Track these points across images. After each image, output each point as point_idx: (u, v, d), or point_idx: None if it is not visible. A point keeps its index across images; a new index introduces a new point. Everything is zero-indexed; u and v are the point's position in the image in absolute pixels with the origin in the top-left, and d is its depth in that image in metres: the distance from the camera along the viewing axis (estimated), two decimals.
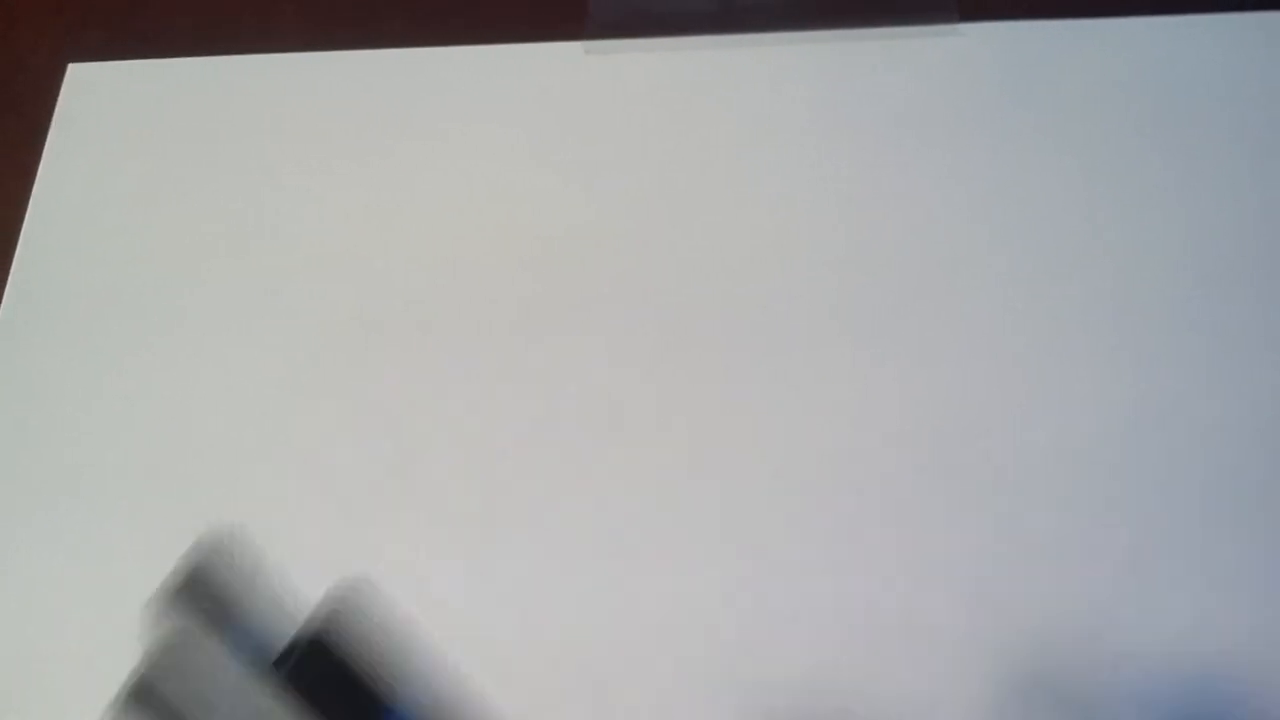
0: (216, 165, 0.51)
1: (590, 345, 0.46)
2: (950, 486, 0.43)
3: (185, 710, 0.22)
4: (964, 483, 0.43)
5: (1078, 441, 0.43)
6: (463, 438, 0.45)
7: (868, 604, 0.41)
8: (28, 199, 0.50)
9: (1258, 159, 0.49)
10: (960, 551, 0.42)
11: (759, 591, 0.41)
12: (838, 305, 0.46)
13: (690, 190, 0.50)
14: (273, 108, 0.52)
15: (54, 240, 0.50)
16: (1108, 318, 0.46)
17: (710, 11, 0.54)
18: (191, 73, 0.54)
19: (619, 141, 0.51)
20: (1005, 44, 0.52)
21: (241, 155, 0.51)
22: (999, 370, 0.45)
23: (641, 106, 0.52)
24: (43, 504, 0.44)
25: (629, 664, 0.40)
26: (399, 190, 0.50)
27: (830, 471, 0.43)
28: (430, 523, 0.43)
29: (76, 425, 0.45)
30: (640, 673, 0.40)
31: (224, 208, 0.50)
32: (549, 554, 0.42)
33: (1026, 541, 0.42)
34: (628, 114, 0.52)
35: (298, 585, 0.42)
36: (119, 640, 0.41)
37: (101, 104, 0.53)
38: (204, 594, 0.24)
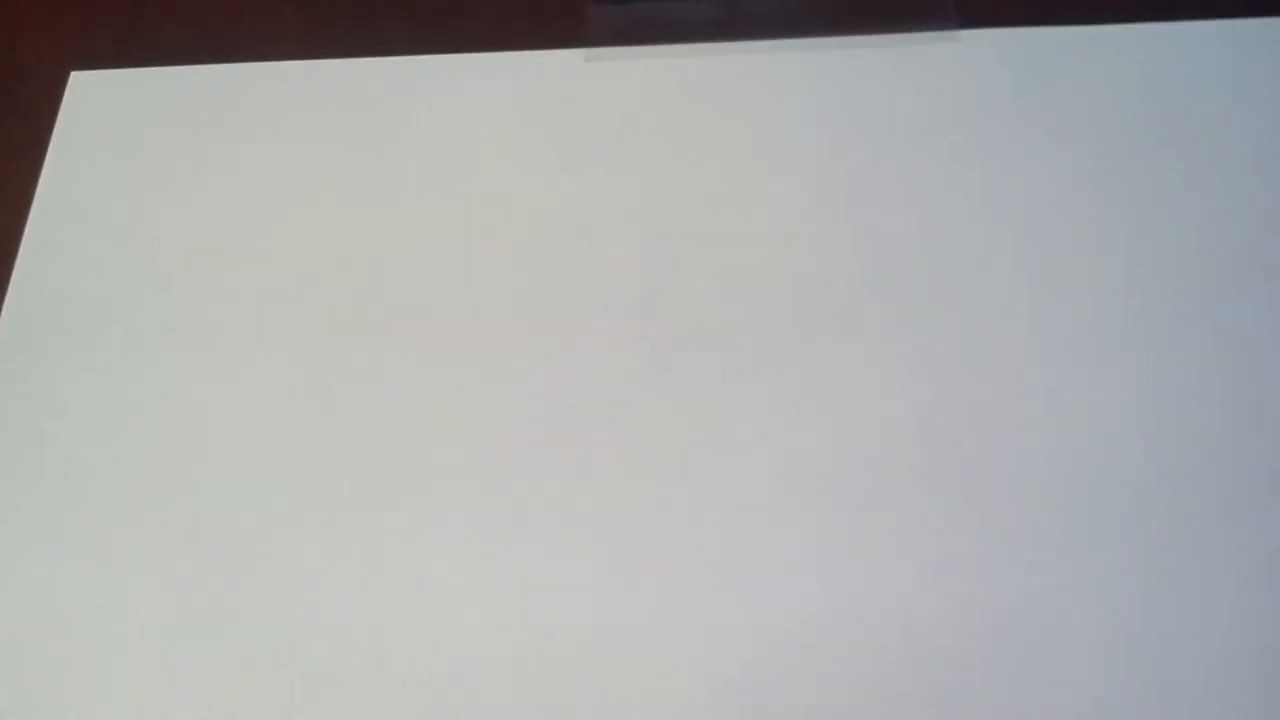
0: (219, 172, 0.51)
1: (592, 352, 0.46)
2: (957, 491, 0.43)
3: None
4: (972, 487, 0.43)
5: (1085, 446, 0.43)
6: (464, 440, 0.45)
7: (871, 607, 0.41)
8: (29, 206, 0.50)
9: (1264, 166, 0.49)
10: (967, 555, 0.41)
11: (760, 593, 0.41)
12: (839, 310, 0.46)
13: (691, 197, 0.50)
14: (275, 114, 0.53)
15: (56, 246, 0.50)
16: (1115, 323, 0.46)
17: (711, 18, 0.54)
18: (195, 80, 0.54)
19: (619, 149, 0.51)
20: (1005, 50, 0.52)
21: (244, 162, 0.51)
22: (1004, 375, 0.45)
23: (641, 114, 0.52)
24: (43, 506, 0.44)
25: (630, 664, 0.40)
26: (399, 196, 0.50)
27: (835, 474, 0.43)
28: (431, 523, 0.43)
29: (78, 428, 0.45)
30: (642, 673, 0.40)
31: (226, 214, 0.50)
32: (550, 554, 0.42)
33: (1034, 544, 0.42)
34: (628, 121, 0.52)
35: (298, 584, 0.42)
36: (119, 640, 0.41)
37: (104, 112, 0.53)
38: None
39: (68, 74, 0.54)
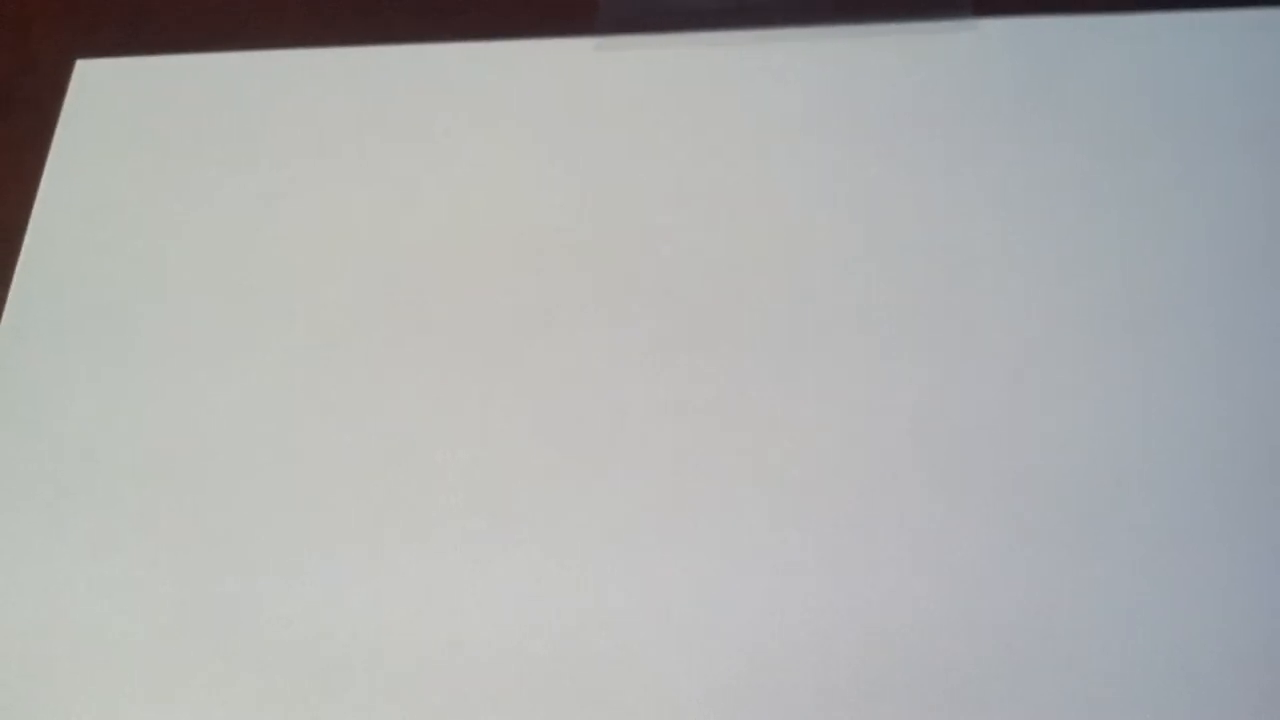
0: (225, 161, 0.51)
1: (600, 343, 0.46)
2: (961, 489, 0.42)
3: None
4: (975, 485, 0.42)
5: (1091, 442, 0.43)
6: (465, 439, 0.44)
7: (874, 605, 0.40)
8: (34, 197, 0.50)
9: None
10: (970, 554, 0.41)
11: (763, 591, 0.41)
12: (851, 302, 0.46)
13: (702, 186, 0.49)
14: (281, 103, 0.52)
15: (61, 236, 0.49)
16: (1133, 313, 0.46)
17: (722, 7, 0.53)
18: (200, 69, 0.54)
19: (629, 138, 0.51)
20: (1020, 39, 0.52)
21: (250, 151, 0.51)
22: (1012, 371, 0.45)
23: (652, 103, 0.51)
24: (44, 501, 0.44)
25: (632, 664, 0.40)
26: (406, 186, 0.50)
27: (838, 472, 0.43)
28: (432, 522, 0.43)
29: (81, 423, 0.45)
30: (643, 672, 0.40)
31: (232, 203, 0.50)
32: (552, 553, 0.42)
33: (1038, 543, 0.41)
34: (638, 110, 0.51)
35: (298, 583, 0.42)
36: (119, 640, 0.41)
37: (110, 101, 0.53)
38: None
39: (73, 63, 0.54)
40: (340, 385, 0.46)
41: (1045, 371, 0.44)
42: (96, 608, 0.42)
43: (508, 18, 0.54)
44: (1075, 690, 0.39)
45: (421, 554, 0.42)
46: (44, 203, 0.50)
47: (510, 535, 0.42)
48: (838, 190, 0.48)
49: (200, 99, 0.53)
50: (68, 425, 0.45)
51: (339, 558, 0.42)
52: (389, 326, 0.47)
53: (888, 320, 0.46)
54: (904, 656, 0.39)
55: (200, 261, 0.49)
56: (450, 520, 0.43)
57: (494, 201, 0.49)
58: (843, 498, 0.42)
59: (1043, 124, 0.50)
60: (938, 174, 0.48)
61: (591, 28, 0.53)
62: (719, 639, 0.40)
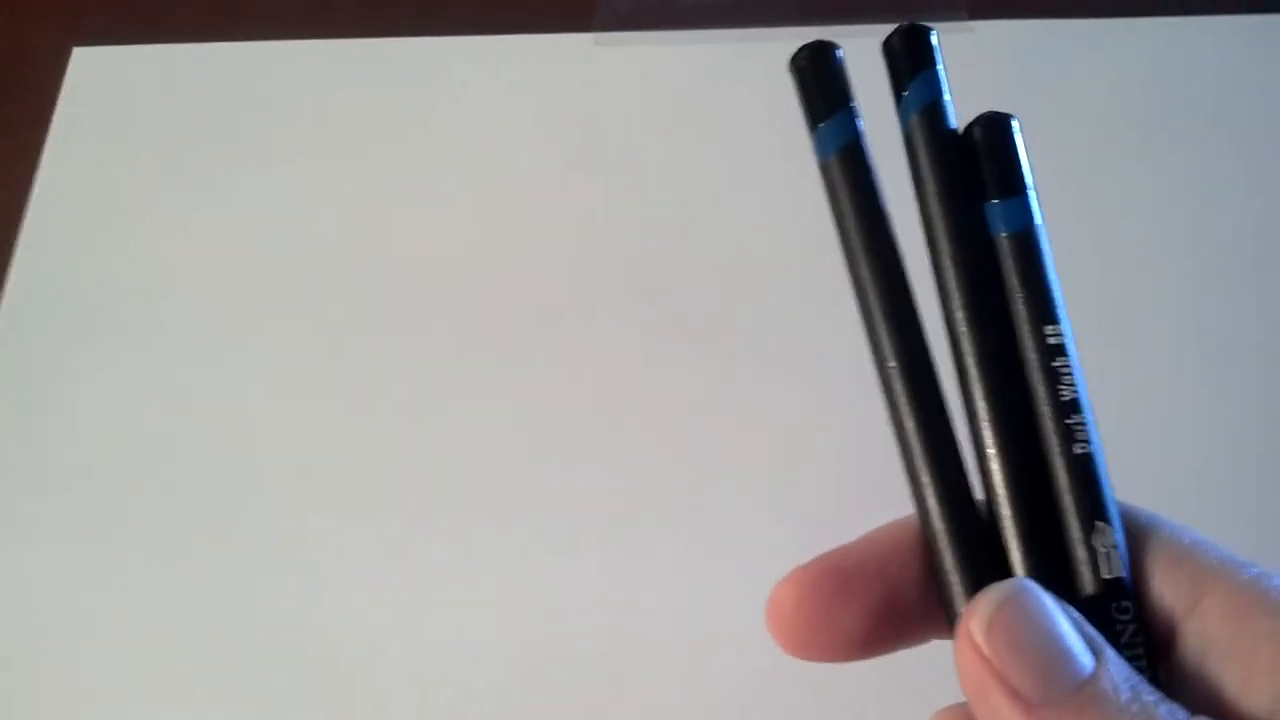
0: (223, 151, 0.51)
1: (598, 340, 0.46)
2: None
3: None
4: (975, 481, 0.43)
5: None
6: (466, 439, 0.44)
7: None
8: (32, 184, 0.50)
9: (1276, 159, 0.49)
10: None
11: (762, 590, 0.41)
12: (848, 299, 0.46)
13: (700, 184, 0.49)
14: (279, 93, 0.52)
15: (59, 224, 0.49)
16: (1121, 315, 0.46)
17: (721, 5, 0.54)
18: (198, 58, 0.53)
19: (628, 134, 0.51)
20: (1016, 42, 0.52)
21: (247, 140, 0.51)
22: None
23: (650, 99, 0.52)
24: (42, 493, 0.44)
25: (631, 662, 0.40)
26: (404, 177, 0.50)
27: (838, 472, 0.43)
28: (431, 520, 0.43)
29: (78, 414, 0.45)
30: (643, 671, 0.40)
31: (229, 192, 0.50)
32: (551, 551, 0.42)
33: None
34: (637, 106, 0.51)
35: (298, 582, 0.42)
36: (118, 639, 0.41)
37: (107, 89, 0.53)
38: None
39: (70, 50, 0.54)
40: (340, 381, 0.46)
41: None
42: (94, 607, 0.42)
43: (507, 13, 0.54)
44: None
45: (420, 553, 0.42)
46: (42, 190, 0.50)
47: (510, 535, 0.42)
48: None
49: (198, 88, 0.53)
50: (63, 414, 0.45)
51: (339, 556, 0.42)
52: (385, 316, 0.47)
53: None
54: (903, 656, 0.39)
55: (198, 250, 0.49)
56: (450, 519, 0.43)
57: (492, 195, 0.49)
58: (843, 498, 0.42)
59: (1039, 125, 0.50)
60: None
61: (590, 24, 0.53)
62: (719, 638, 0.40)
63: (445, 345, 0.46)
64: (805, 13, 0.53)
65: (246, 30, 0.54)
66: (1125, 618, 0.21)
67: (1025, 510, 0.22)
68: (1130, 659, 0.21)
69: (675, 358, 0.46)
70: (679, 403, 0.45)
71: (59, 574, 0.42)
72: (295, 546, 0.42)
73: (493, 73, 0.52)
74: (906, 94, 0.24)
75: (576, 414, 0.44)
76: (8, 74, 0.54)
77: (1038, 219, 0.23)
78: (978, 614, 0.20)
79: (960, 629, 0.20)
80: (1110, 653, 0.20)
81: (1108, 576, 0.21)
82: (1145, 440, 0.43)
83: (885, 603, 0.22)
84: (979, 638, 0.20)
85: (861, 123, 0.23)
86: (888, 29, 0.24)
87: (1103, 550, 0.22)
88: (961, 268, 0.23)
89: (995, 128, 0.24)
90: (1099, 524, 0.22)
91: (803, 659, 0.22)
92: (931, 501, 0.22)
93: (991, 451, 0.23)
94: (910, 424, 0.23)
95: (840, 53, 0.24)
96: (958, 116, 0.24)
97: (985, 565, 0.22)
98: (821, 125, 0.24)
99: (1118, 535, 0.22)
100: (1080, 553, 0.22)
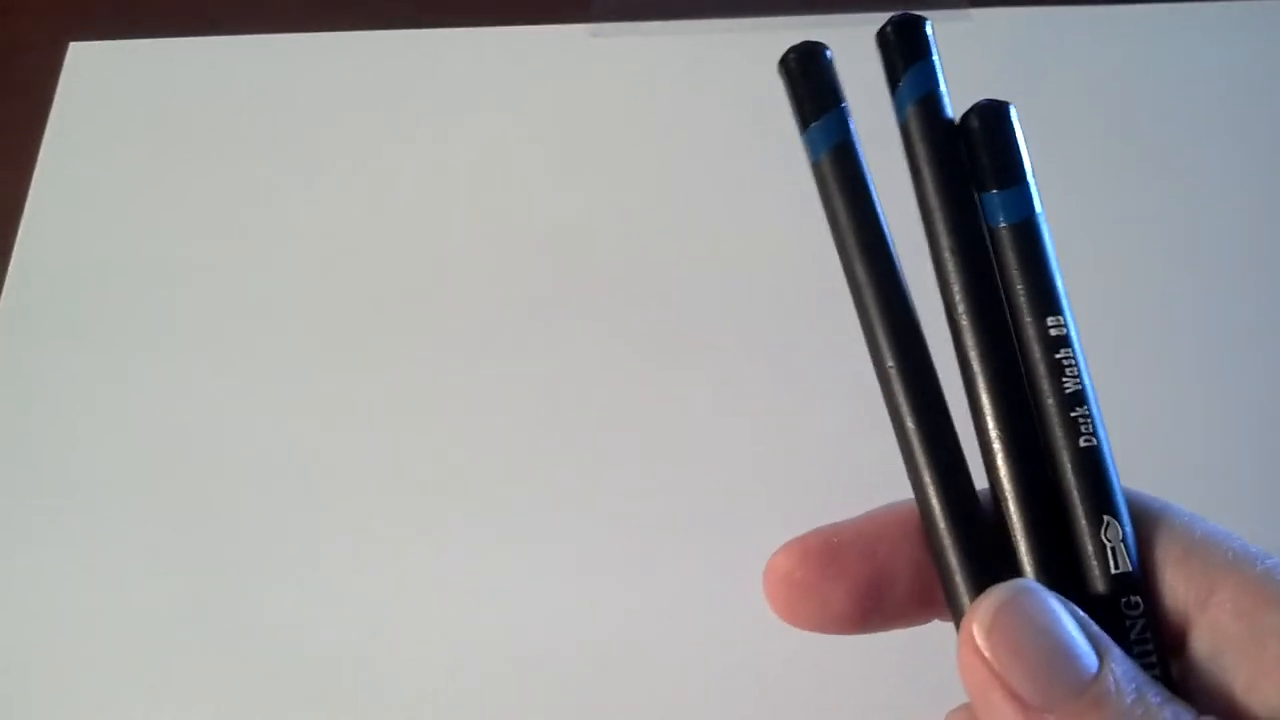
0: (220, 146, 0.51)
1: (594, 338, 0.46)
2: None
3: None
4: (975, 480, 0.42)
5: None
6: (466, 440, 0.44)
7: None
8: (30, 179, 0.50)
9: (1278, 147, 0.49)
10: None
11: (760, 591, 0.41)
12: (847, 298, 0.46)
13: (696, 174, 0.49)
14: (276, 87, 0.52)
15: (56, 220, 0.49)
16: (1118, 306, 0.46)
17: None
18: (195, 52, 0.53)
19: (624, 127, 0.50)
20: (1015, 30, 0.52)
21: (244, 135, 0.51)
22: None
23: (647, 91, 0.51)
24: (41, 490, 0.44)
25: (631, 664, 0.40)
26: (401, 171, 0.50)
27: (838, 472, 0.43)
28: (431, 522, 0.43)
29: (76, 414, 0.45)
30: (643, 672, 0.40)
31: (226, 188, 0.50)
32: (551, 553, 0.42)
33: None
34: (633, 98, 0.51)
35: (297, 582, 0.42)
36: (118, 639, 0.41)
37: (104, 84, 0.53)
38: None
39: (67, 45, 0.54)
40: (339, 380, 0.45)
41: None
42: (94, 608, 0.41)
43: (503, 4, 0.54)
44: None
45: (420, 554, 0.42)
46: (39, 186, 0.50)
47: (510, 536, 0.42)
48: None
49: (195, 83, 0.52)
50: (62, 413, 0.45)
51: (338, 557, 0.42)
52: (379, 311, 0.47)
53: None
54: (904, 655, 0.39)
55: (195, 246, 0.48)
56: (449, 519, 0.43)
57: (487, 188, 0.49)
58: (843, 498, 0.42)
59: (1040, 115, 0.49)
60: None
61: (587, 15, 0.53)
62: (719, 639, 0.40)
63: (441, 341, 0.46)
64: (802, 2, 0.53)
65: (243, 25, 0.54)
66: (1134, 613, 0.21)
67: (1031, 506, 0.22)
68: (1139, 656, 0.20)
69: (673, 353, 0.45)
70: (679, 400, 0.44)
71: (58, 575, 0.42)
72: (295, 547, 0.42)
73: (488, 65, 0.52)
74: (901, 85, 0.23)
75: (577, 412, 0.44)
76: (4, 70, 0.54)
77: (1038, 208, 0.23)
78: (979, 616, 0.20)
79: (962, 632, 0.20)
80: (1116, 652, 0.19)
81: (1116, 571, 0.21)
82: (1136, 436, 0.43)
83: (870, 583, 0.22)
84: (980, 640, 0.20)
85: (853, 122, 0.23)
86: (885, 16, 0.24)
87: (1110, 544, 0.21)
88: (961, 260, 0.23)
89: (992, 116, 0.23)
90: (1106, 518, 0.22)
91: (796, 627, 0.23)
92: (934, 500, 0.22)
93: (996, 446, 0.22)
94: (911, 423, 0.23)
95: (829, 53, 0.23)
96: (954, 106, 0.24)
97: (990, 563, 0.22)
98: (812, 125, 0.24)
99: (1126, 529, 0.22)
100: (1088, 547, 0.21)
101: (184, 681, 0.40)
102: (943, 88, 0.23)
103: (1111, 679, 0.19)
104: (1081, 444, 0.22)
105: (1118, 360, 0.44)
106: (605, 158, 0.50)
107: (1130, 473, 0.23)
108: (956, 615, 0.21)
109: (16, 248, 0.48)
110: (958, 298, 0.23)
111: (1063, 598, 0.20)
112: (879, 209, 0.23)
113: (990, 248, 0.23)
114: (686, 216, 0.48)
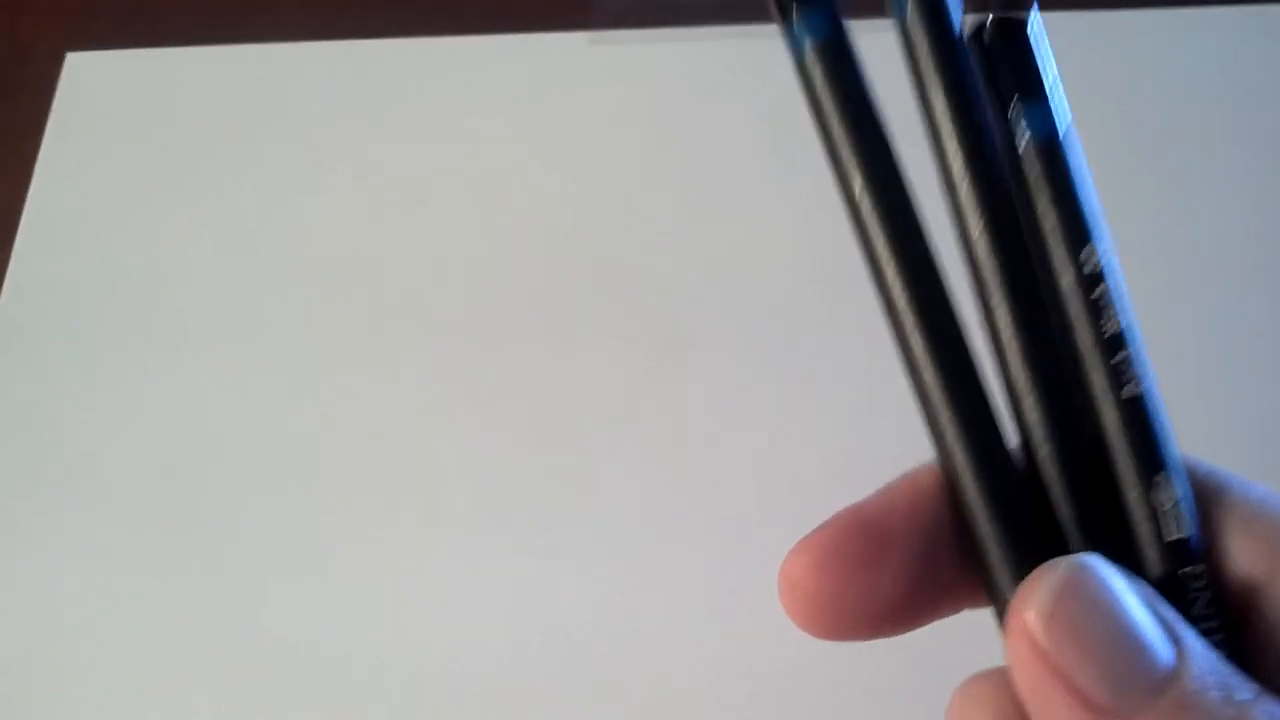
0: (219, 156, 0.51)
1: (594, 345, 0.46)
2: None
3: None
4: None
5: None
6: (467, 441, 0.44)
7: None
8: (27, 188, 0.50)
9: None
10: None
11: (765, 593, 0.41)
12: (848, 298, 0.46)
13: (697, 181, 0.49)
14: (275, 97, 0.52)
15: (54, 230, 0.49)
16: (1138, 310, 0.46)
17: (718, 1, 0.53)
18: (193, 62, 0.53)
19: (624, 134, 0.50)
20: None
21: (243, 145, 0.51)
22: None
23: (647, 97, 0.51)
24: (41, 498, 0.44)
25: (633, 665, 0.40)
26: (402, 179, 0.50)
27: (839, 473, 0.43)
28: (433, 523, 0.43)
29: (75, 418, 0.45)
30: (644, 674, 0.40)
31: (226, 198, 0.50)
32: (553, 555, 0.42)
33: None
34: (633, 105, 0.51)
35: (298, 583, 0.42)
36: (118, 639, 0.41)
37: (101, 94, 0.52)
38: None
39: (64, 55, 0.53)
40: (339, 382, 0.45)
41: None
42: (95, 609, 0.41)
43: (503, 12, 0.54)
44: None
45: (423, 556, 0.42)
46: (37, 195, 0.50)
47: (510, 537, 0.42)
48: (835, 186, 0.48)
49: (193, 92, 0.52)
50: (62, 418, 0.45)
51: (339, 558, 0.42)
52: (384, 317, 0.47)
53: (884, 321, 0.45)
54: (903, 655, 0.39)
55: (194, 254, 0.48)
56: (451, 522, 0.43)
57: (488, 196, 0.49)
58: (843, 498, 0.42)
59: None
60: (934, 169, 0.48)
61: (587, 22, 0.53)
62: (720, 639, 0.40)
63: (442, 350, 0.46)
64: None
65: (242, 34, 0.54)
66: (1197, 585, 0.18)
67: (1071, 466, 0.19)
68: (1204, 634, 0.17)
69: (676, 356, 0.45)
70: (681, 403, 0.44)
71: (59, 579, 0.42)
72: (296, 549, 0.42)
73: (489, 73, 0.52)
74: None
75: (579, 418, 0.44)
76: (2, 78, 0.54)
77: (1063, 125, 0.20)
78: (1036, 602, 0.17)
79: (1012, 619, 0.17)
80: (1190, 639, 0.17)
81: (1172, 538, 0.18)
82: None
83: (924, 559, 0.19)
84: (1038, 631, 0.17)
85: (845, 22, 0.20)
86: (886, 24, 0.23)
87: (1165, 506, 0.18)
88: (979, 184, 0.20)
89: (1009, 29, 0.20)
90: (1158, 477, 0.19)
91: (825, 638, 0.19)
92: (961, 461, 0.19)
93: (1029, 400, 0.19)
94: (929, 374, 0.19)
95: None
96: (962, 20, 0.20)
97: (1028, 533, 0.18)
98: (798, 9, 0.20)
99: (1181, 488, 0.19)
100: (1138, 511, 0.18)
101: (184, 682, 0.40)
102: None
103: (1193, 672, 0.16)
104: (1125, 394, 0.19)
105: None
106: (606, 165, 0.50)
107: None
108: (995, 593, 0.19)
109: (13, 257, 0.48)
110: (977, 228, 0.20)
111: (1129, 573, 0.17)
112: (879, 113, 0.20)
113: (1013, 173, 0.20)
114: (687, 223, 0.48)
